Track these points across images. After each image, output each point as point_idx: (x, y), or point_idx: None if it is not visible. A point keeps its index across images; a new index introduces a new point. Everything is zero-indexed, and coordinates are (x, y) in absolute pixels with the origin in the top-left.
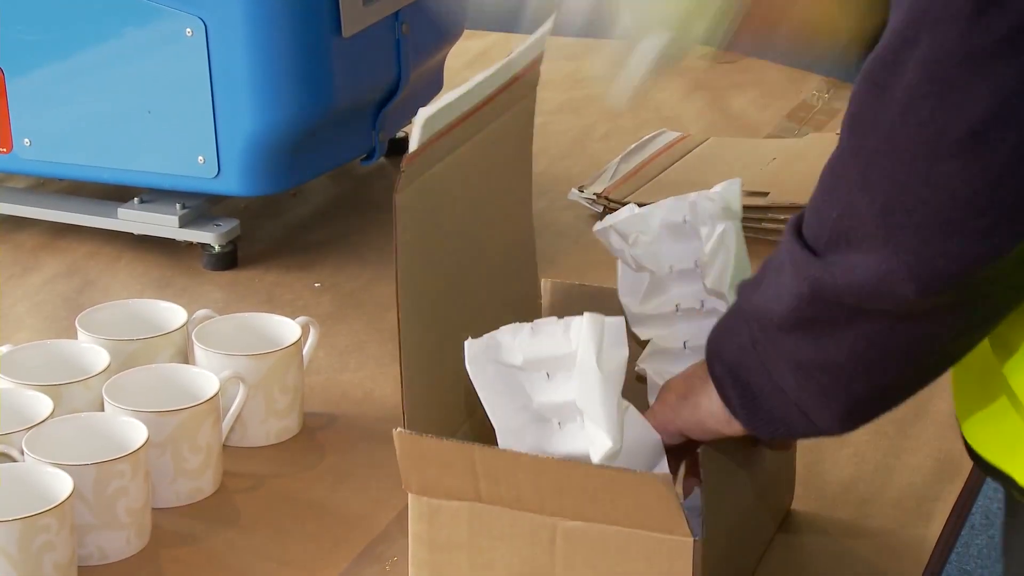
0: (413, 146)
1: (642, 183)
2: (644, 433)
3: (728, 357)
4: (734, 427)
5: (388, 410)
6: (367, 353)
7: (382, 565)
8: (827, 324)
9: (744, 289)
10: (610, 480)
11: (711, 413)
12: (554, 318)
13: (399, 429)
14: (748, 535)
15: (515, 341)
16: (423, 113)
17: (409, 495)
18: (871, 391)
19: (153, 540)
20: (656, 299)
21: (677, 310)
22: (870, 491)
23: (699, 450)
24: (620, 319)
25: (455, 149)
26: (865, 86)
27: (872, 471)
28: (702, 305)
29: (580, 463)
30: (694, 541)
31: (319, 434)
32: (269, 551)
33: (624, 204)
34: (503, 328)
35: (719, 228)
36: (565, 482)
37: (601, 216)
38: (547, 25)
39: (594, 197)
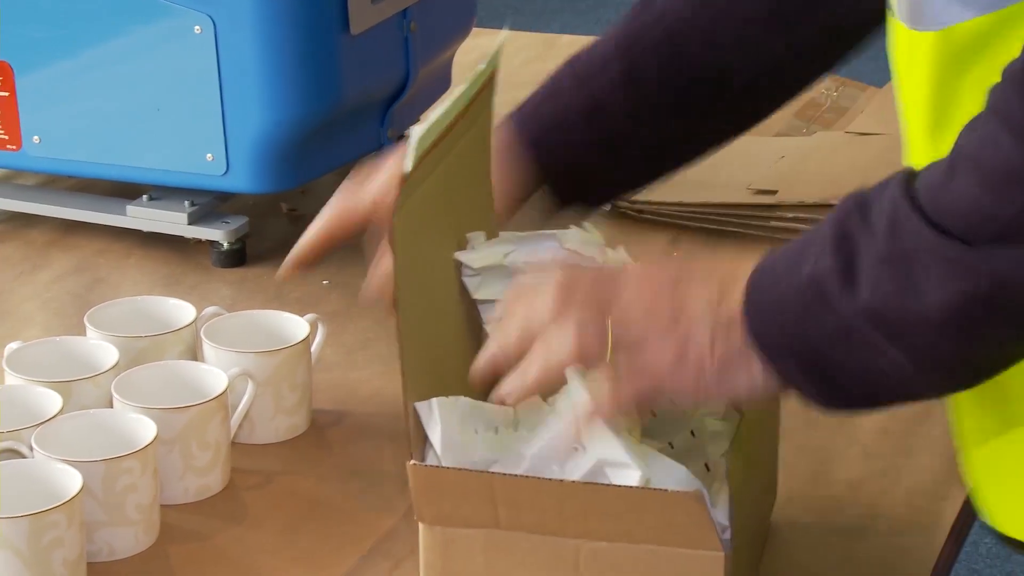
0: (408, 167)
1: None
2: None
3: (801, 345)
4: (764, 396)
5: (397, 408)
6: (375, 351)
7: (391, 563)
8: (1002, 322)
9: (821, 276)
10: (640, 499)
11: (746, 388)
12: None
13: (413, 462)
14: (757, 539)
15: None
16: (416, 133)
17: (421, 525)
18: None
19: (162, 536)
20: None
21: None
22: (878, 490)
23: (723, 455)
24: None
25: (436, 167)
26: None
27: (881, 470)
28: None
29: (608, 485)
30: (725, 556)
31: (328, 432)
32: (277, 548)
33: (633, 201)
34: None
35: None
36: (591, 504)
37: (612, 208)
38: (503, 33)
39: None
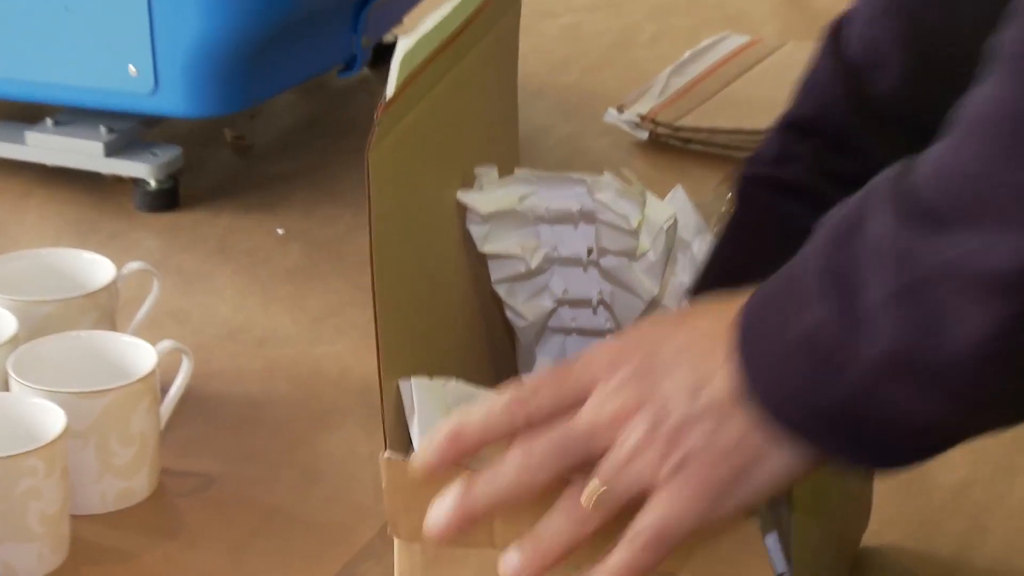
0: (390, 91)
1: (699, 102)
2: None
3: (826, 412)
4: (809, 470)
5: (373, 392)
6: (347, 319)
7: None
8: None
9: (825, 328)
10: None
11: (780, 472)
12: None
13: (387, 454)
14: (835, 568)
15: None
16: (401, 48)
17: (396, 542)
18: None
19: (72, 555)
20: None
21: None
22: (988, 498)
23: None
24: None
25: (432, 88)
26: None
27: (990, 474)
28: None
29: None
30: None
31: (285, 422)
32: (223, 571)
33: (677, 129)
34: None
35: (694, 245)
36: (612, 519)
37: (651, 138)
38: None
39: (638, 119)
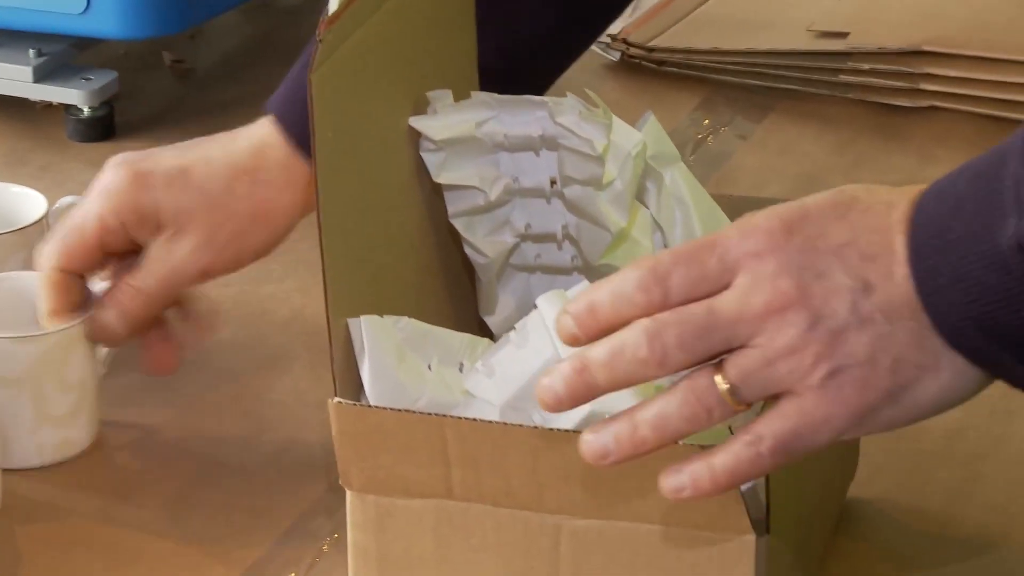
0: (333, 6)
1: (673, 21)
2: None
3: (1019, 332)
4: (971, 395)
5: (324, 334)
6: (296, 255)
7: (317, 545)
8: None
9: None
10: (644, 459)
11: (943, 403)
12: (507, 337)
13: (337, 399)
14: (819, 518)
15: (485, 383)
16: None
17: (348, 494)
18: None
19: (5, 513)
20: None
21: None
22: (982, 443)
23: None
24: (584, 285)
25: (380, 4)
26: None
27: (987, 417)
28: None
29: None
30: (756, 540)
31: (230, 368)
32: (163, 527)
33: (651, 50)
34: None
35: (666, 176)
36: (578, 464)
37: (623, 60)
38: None
39: (608, 40)
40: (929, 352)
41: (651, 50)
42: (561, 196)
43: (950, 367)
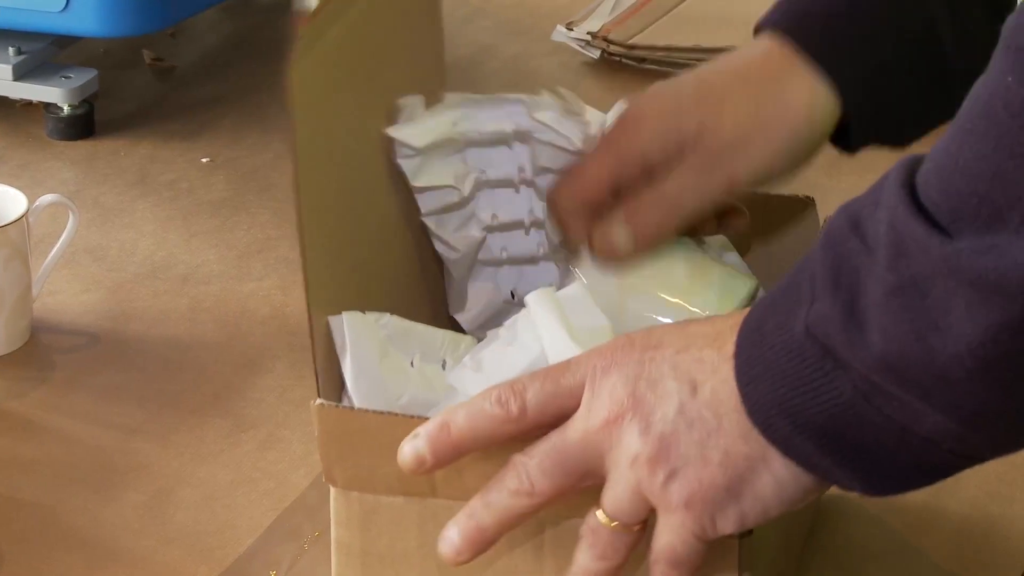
0: (313, 1)
1: (654, 18)
2: None
3: (814, 420)
4: (822, 490)
5: (305, 333)
6: (277, 254)
7: (299, 543)
8: None
9: (820, 325)
10: None
11: (783, 495)
12: (496, 333)
13: (319, 401)
14: (798, 516)
15: (471, 377)
16: None
17: (332, 491)
18: None
19: None
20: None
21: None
22: None
23: None
24: (575, 286)
25: (354, 2)
26: None
27: None
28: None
29: None
30: (739, 541)
31: (211, 366)
32: (144, 525)
33: (631, 47)
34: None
35: None
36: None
37: (603, 57)
38: None
39: (589, 38)
40: (755, 443)
41: (631, 47)
42: (532, 184)
43: (777, 458)
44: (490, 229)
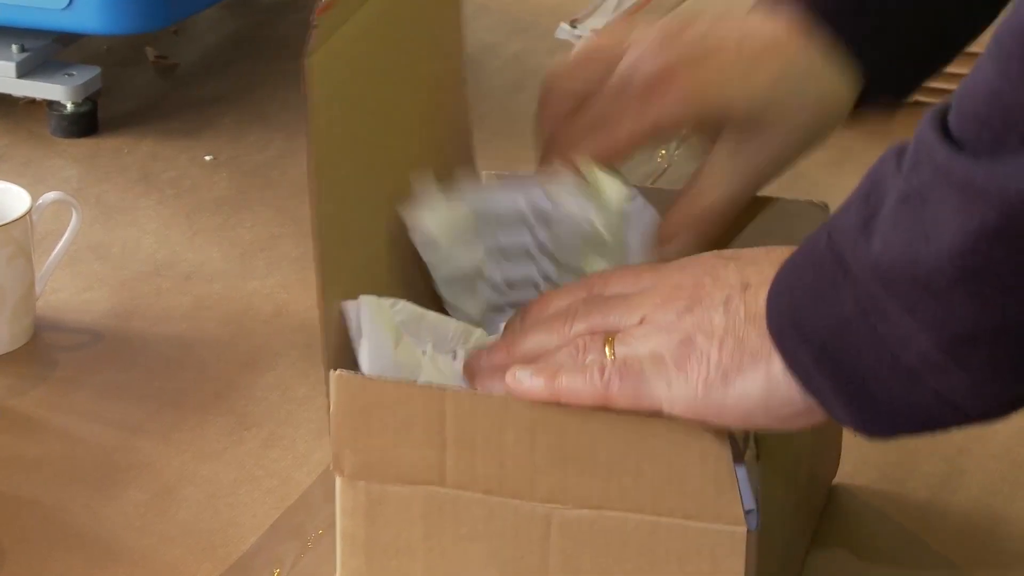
0: None
1: (658, 16)
2: None
3: (816, 333)
4: (809, 420)
5: (308, 330)
6: (279, 251)
7: (302, 541)
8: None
9: (839, 234)
10: (642, 436)
11: (771, 401)
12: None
13: (339, 371)
14: (804, 510)
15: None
16: None
17: (339, 481)
18: None
19: None
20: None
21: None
22: (968, 435)
23: None
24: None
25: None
26: None
27: None
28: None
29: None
30: (748, 534)
31: (214, 364)
32: (147, 523)
33: None
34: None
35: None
36: (572, 443)
37: None
38: None
39: (591, 36)
40: (765, 346)
41: None
42: (547, 255)
43: (778, 363)
44: (500, 291)
